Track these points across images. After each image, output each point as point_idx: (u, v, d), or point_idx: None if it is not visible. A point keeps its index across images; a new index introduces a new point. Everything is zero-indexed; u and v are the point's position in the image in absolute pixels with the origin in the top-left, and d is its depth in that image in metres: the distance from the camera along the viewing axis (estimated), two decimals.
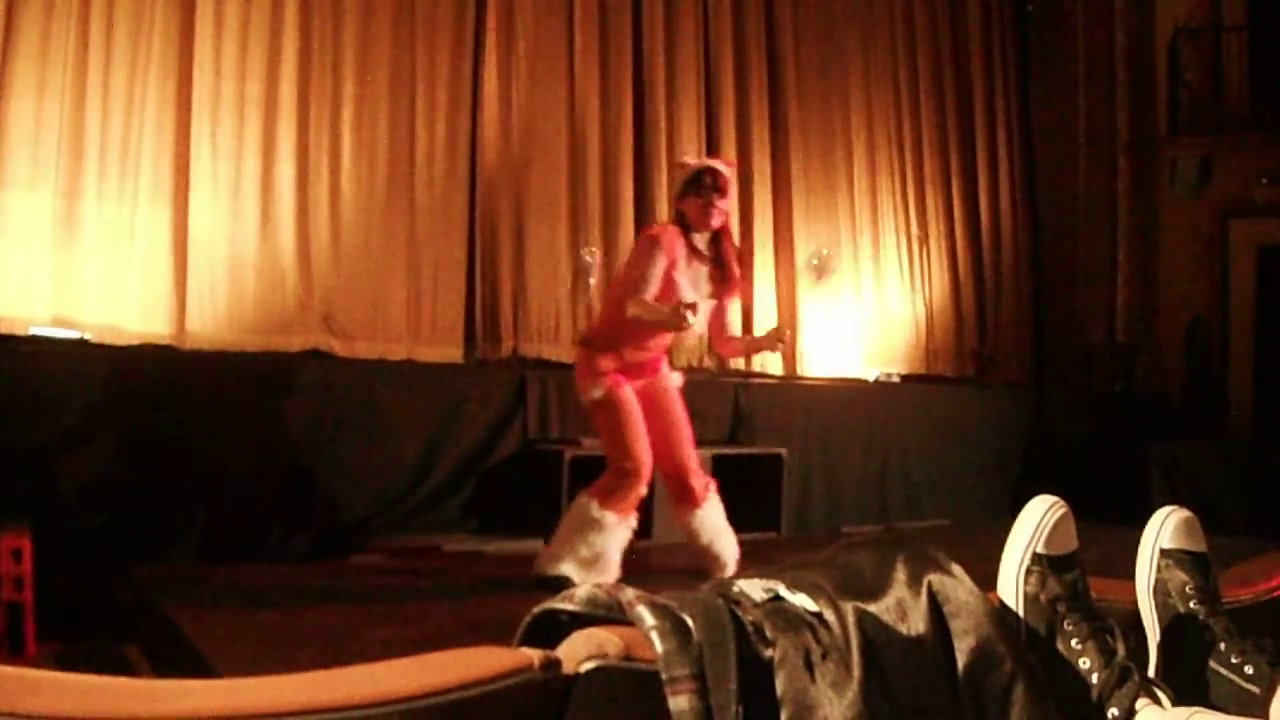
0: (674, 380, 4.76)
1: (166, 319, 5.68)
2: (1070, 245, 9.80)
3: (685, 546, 4.77)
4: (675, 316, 4.16)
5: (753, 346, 5.25)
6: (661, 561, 5.47)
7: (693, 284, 4.45)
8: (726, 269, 4.58)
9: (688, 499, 4.63)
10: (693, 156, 4.99)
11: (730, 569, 4.58)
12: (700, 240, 4.51)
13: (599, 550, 4.36)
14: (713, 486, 4.71)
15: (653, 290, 4.35)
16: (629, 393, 4.48)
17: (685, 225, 4.50)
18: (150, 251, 5.68)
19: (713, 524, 4.67)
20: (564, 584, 3.96)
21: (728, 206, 4.55)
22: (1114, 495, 6.35)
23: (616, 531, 4.41)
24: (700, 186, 4.46)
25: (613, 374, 4.48)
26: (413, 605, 4.21)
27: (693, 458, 4.66)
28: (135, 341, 5.46)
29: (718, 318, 4.69)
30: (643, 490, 4.47)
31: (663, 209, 7.36)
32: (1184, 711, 1.20)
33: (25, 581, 4.01)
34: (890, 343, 8.70)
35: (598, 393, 4.45)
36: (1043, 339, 9.92)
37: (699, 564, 4.65)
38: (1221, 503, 7.12)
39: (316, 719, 0.90)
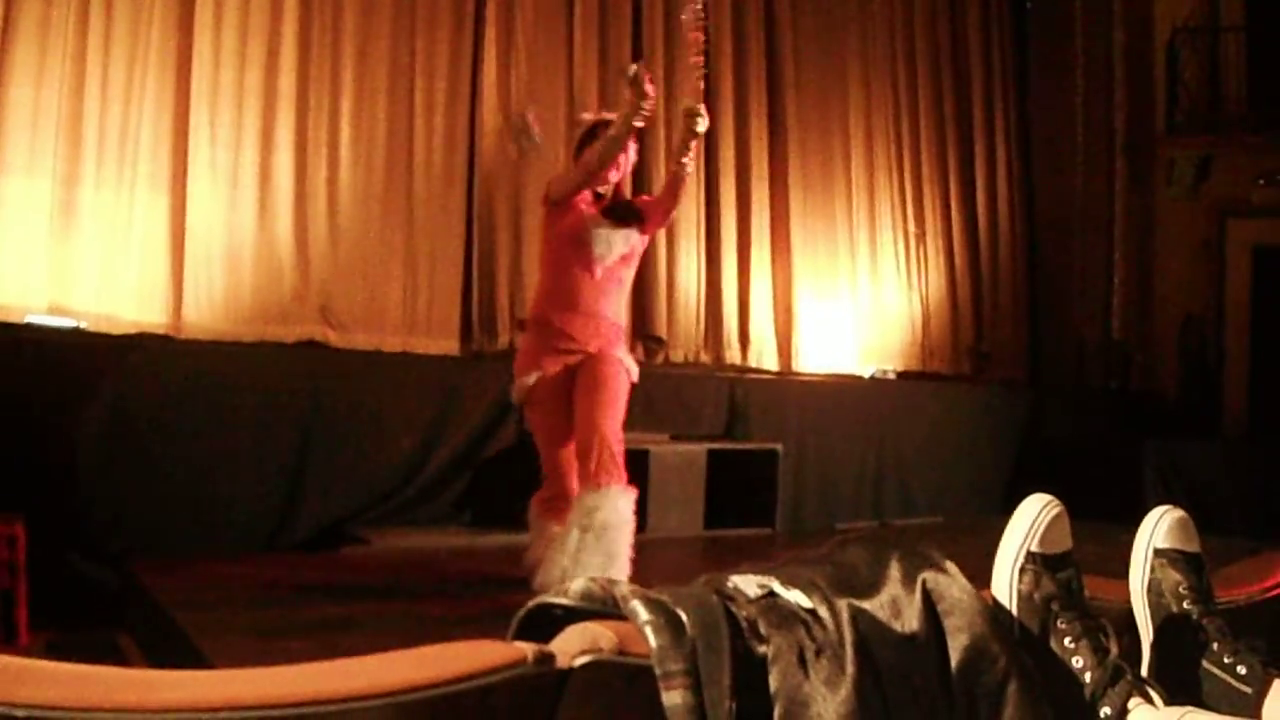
0: (627, 362, 4.24)
1: (163, 308, 5.68)
2: (1067, 244, 9.81)
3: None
4: (632, 103, 3.91)
5: (678, 151, 4.35)
6: (655, 556, 5.47)
7: (606, 240, 4.19)
8: (632, 207, 4.39)
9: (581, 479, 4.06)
10: (591, 113, 4.77)
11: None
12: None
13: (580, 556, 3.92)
14: (618, 481, 4.02)
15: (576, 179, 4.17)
16: (544, 392, 4.15)
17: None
18: (147, 240, 5.68)
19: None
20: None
21: (624, 163, 4.31)
22: (1108, 494, 6.35)
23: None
24: (597, 140, 4.20)
25: (542, 361, 4.14)
26: (406, 598, 4.21)
27: (602, 440, 3.99)
28: (132, 330, 5.45)
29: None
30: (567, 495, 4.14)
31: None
32: (1176, 711, 1.20)
33: (18, 570, 4.01)
34: (886, 339, 8.70)
35: (517, 396, 4.22)
36: (1038, 337, 9.92)
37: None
38: (1216, 502, 7.13)
39: (309, 711, 0.90)
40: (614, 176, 4.31)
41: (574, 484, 4.09)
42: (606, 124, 4.22)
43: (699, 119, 4.12)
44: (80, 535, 4.56)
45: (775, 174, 8.15)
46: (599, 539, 3.88)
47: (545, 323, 4.20)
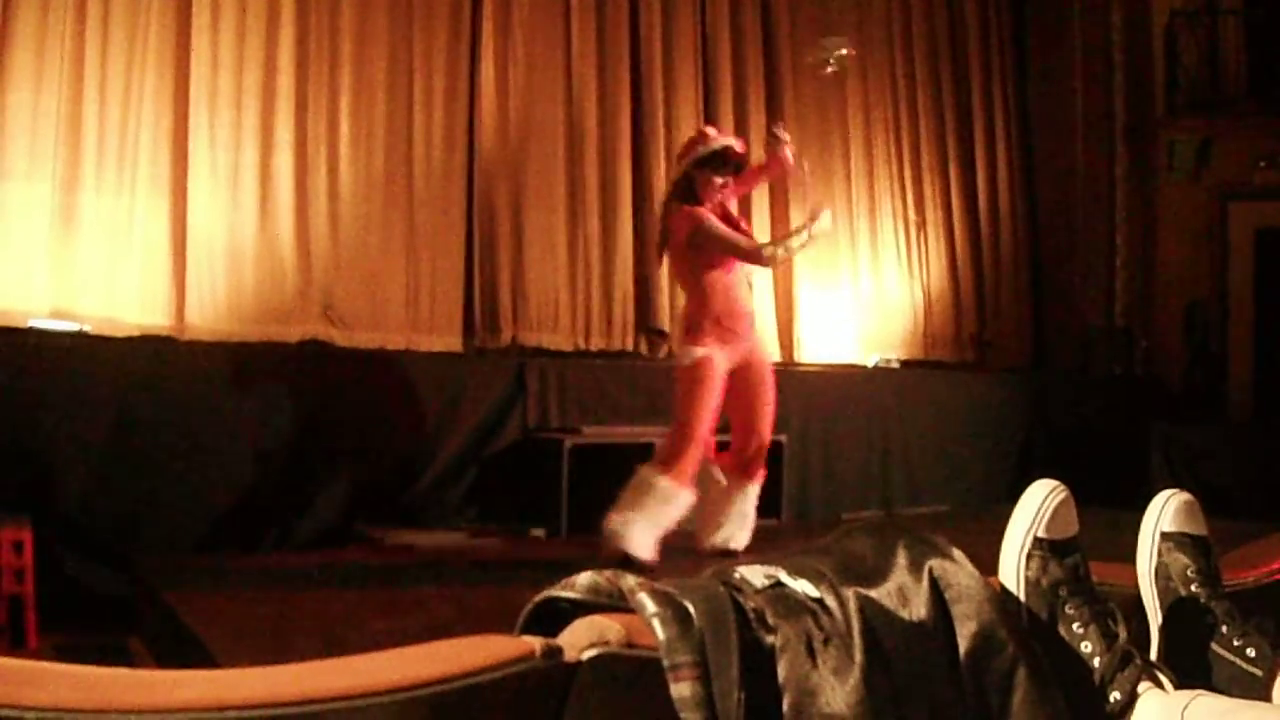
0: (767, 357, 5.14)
1: (165, 310, 5.68)
2: (1068, 229, 9.79)
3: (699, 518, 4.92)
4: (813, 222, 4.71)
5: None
6: (662, 548, 5.47)
7: None
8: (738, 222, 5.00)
9: (747, 471, 4.92)
10: (714, 130, 5.15)
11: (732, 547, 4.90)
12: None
13: (663, 519, 4.56)
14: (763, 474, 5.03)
15: (739, 237, 4.81)
16: (717, 369, 4.69)
17: (691, 195, 4.77)
18: (149, 243, 5.67)
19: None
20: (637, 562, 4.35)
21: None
22: (1114, 479, 6.36)
23: (678, 497, 4.59)
24: (720, 164, 4.77)
25: (709, 346, 4.69)
26: (413, 595, 4.21)
27: (767, 434, 4.96)
28: (134, 333, 5.46)
29: None
30: (697, 461, 4.68)
31: (659, 194, 7.34)
32: (1186, 694, 1.20)
33: (26, 574, 4.02)
34: (889, 328, 8.69)
35: (688, 360, 4.70)
36: (1041, 323, 9.91)
37: (706, 536, 4.90)
38: (1222, 485, 7.13)
39: (318, 709, 0.90)
40: (725, 199, 4.93)
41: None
42: (731, 150, 4.83)
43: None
44: (87, 538, 4.57)
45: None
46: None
47: (714, 320, 4.72)
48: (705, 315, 4.73)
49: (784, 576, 1.23)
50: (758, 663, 1.11)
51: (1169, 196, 9.49)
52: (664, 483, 4.55)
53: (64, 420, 4.64)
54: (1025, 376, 9.04)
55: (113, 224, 5.55)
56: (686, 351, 4.74)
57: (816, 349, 8.14)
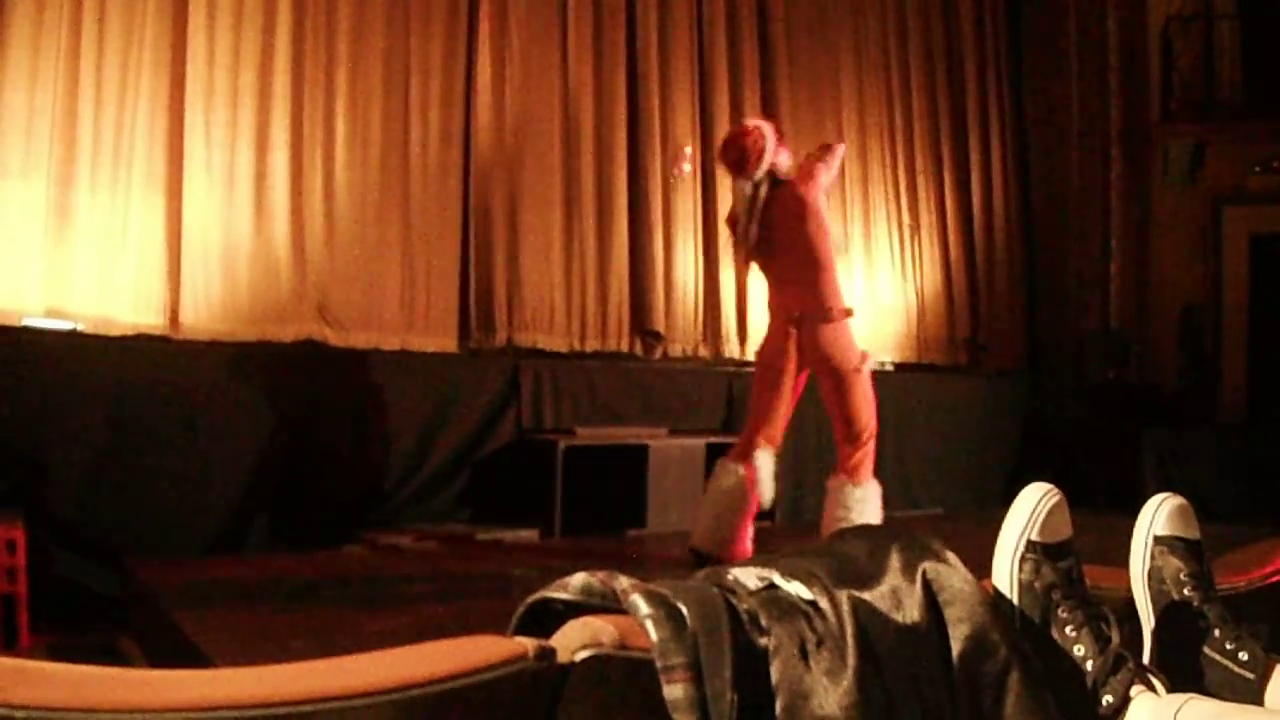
0: None
1: (160, 309, 5.66)
2: (1063, 233, 9.80)
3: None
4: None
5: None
6: (656, 550, 5.48)
7: None
8: None
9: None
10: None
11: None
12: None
13: (878, 514, 4.70)
14: None
15: None
16: None
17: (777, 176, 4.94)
18: (144, 242, 5.66)
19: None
20: None
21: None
22: (1108, 483, 6.38)
23: (875, 492, 4.72)
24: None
25: None
26: (406, 595, 4.21)
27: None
28: (129, 332, 5.45)
29: None
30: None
31: (657, 197, 7.37)
32: (1178, 698, 1.20)
33: (18, 573, 4.01)
34: (882, 331, 8.69)
35: (869, 364, 4.89)
36: (1035, 327, 9.91)
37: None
38: (1215, 489, 7.14)
39: (311, 709, 0.89)
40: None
41: None
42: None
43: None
44: (80, 538, 4.56)
45: None
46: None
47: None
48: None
49: (777, 579, 1.23)
50: (751, 665, 1.11)
51: (1163, 201, 9.50)
52: (859, 490, 4.66)
53: (57, 420, 4.64)
54: (1019, 380, 9.05)
55: (107, 223, 5.54)
56: (859, 352, 4.87)
57: None
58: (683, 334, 7.51)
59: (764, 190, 4.88)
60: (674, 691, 1.07)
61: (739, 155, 4.92)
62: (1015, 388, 8.64)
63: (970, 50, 9.57)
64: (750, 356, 7.76)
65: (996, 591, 1.36)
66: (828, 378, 4.83)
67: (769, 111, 8.07)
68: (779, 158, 4.93)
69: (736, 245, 5.01)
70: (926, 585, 1.25)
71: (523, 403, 6.01)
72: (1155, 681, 1.24)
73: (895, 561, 1.27)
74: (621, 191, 7.32)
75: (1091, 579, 1.41)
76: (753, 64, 8.13)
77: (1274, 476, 7.09)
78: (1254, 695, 1.30)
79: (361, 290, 6.28)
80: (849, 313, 4.94)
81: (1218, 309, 9.31)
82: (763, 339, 5.10)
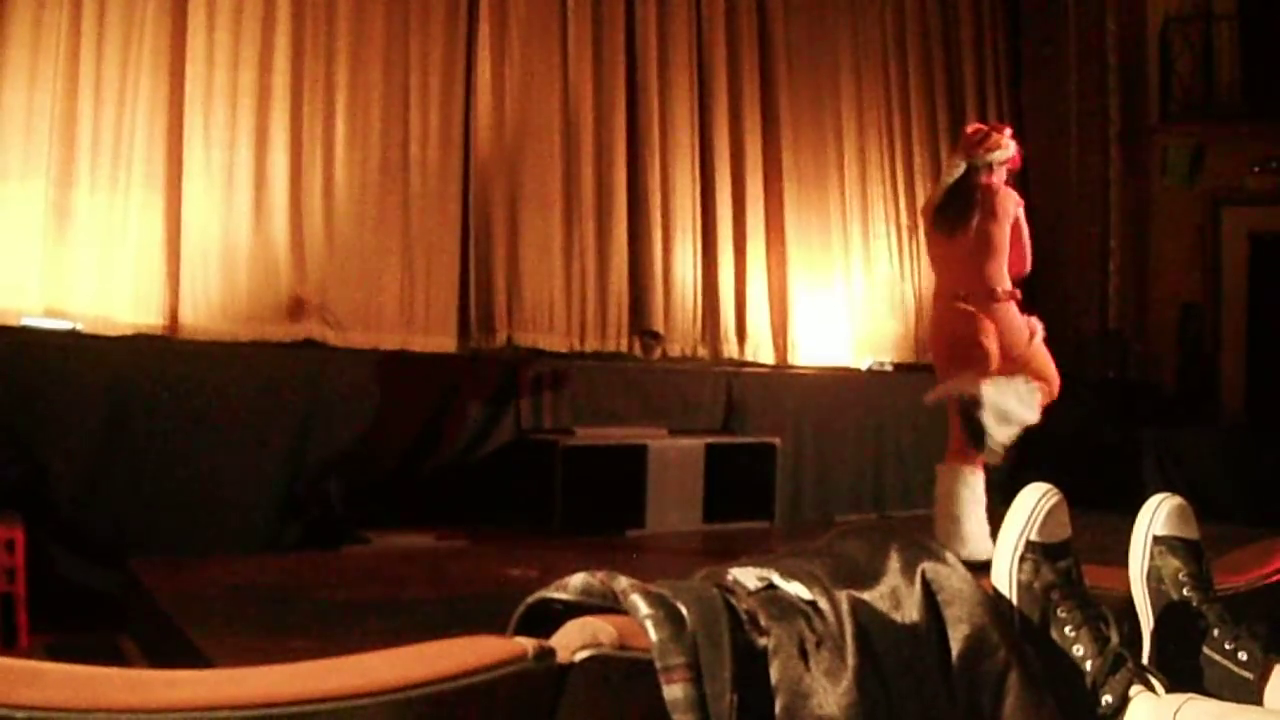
0: None
1: (159, 309, 5.66)
2: (1062, 233, 9.78)
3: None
4: None
5: None
6: (654, 550, 5.48)
7: None
8: None
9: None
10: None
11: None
12: None
13: None
14: None
15: None
16: None
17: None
18: (143, 242, 5.66)
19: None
20: None
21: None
22: (1107, 483, 6.37)
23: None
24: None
25: None
26: (406, 596, 4.21)
27: None
28: (128, 332, 5.45)
29: None
30: None
31: (655, 197, 7.37)
32: (1177, 698, 1.20)
33: (18, 573, 4.01)
34: (881, 332, 8.69)
35: (1040, 334, 5.44)
36: None
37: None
38: (1214, 489, 7.13)
39: (310, 709, 0.89)
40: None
41: None
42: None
43: None
44: (79, 538, 4.56)
45: (769, 168, 8.15)
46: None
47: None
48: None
49: (777, 579, 1.23)
50: (750, 665, 1.11)
51: (1162, 201, 9.50)
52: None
53: (56, 419, 4.63)
54: None
55: (107, 222, 5.54)
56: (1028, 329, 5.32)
57: (810, 352, 8.14)
58: (682, 334, 7.51)
59: (982, 178, 5.13)
60: (674, 691, 1.07)
61: (983, 134, 5.18)
62: None
63: (969, 49, 9.56)
64: (749, 356, 7.77)
65: (996, 591, 1.36)
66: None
67: (768, 112, 8.09)
68: (1001, 157, 5.13)
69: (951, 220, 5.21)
70: (926, 585, 1.25)
71: (522, 403, 6.01)
72: (1154, 681, 1.24)
73: (895, 562, 1.27)
74: (621, 192, 7.32)
75: (1091, 579, 1.41)
76: (752, 64, 8.12)
77: (1273, 476, 7.08)
78: (1253, 695, 1.30)
79: (361, 290, 6.27)
80: (1014, 295, 5.38)
81: (1216, 309, 9.31)
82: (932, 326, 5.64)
